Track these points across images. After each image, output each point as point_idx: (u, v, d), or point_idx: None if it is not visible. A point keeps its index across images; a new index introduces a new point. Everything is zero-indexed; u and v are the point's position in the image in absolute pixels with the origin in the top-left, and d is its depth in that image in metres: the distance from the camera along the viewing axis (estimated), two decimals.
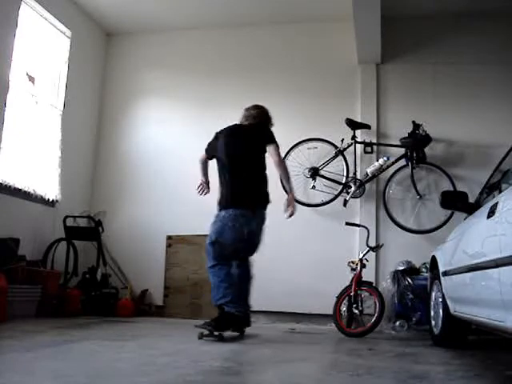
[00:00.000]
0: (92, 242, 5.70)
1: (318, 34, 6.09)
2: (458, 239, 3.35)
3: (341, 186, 5.43)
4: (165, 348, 3.18)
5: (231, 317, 3.74)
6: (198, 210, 5.80)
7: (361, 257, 4.75)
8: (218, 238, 3.87)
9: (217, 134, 4.14)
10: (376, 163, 5.40)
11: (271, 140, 4.00)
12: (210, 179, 4.27)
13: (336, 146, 5.51)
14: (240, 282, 3.92)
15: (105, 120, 6.56)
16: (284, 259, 5.58)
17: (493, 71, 5.59)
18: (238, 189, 3.91)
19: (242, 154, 4.00)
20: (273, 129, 4.18)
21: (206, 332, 3.60)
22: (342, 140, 5.51)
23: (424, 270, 4.88)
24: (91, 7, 6.12)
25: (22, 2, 5.15)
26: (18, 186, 5.06)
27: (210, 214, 5.76)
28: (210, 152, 4.13)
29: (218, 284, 3.82)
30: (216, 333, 3.60)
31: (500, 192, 2.87)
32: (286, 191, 4.18)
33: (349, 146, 5.49)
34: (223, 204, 3.94)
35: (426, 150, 5.32)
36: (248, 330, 4.05)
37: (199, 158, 4.24)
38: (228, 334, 3.75)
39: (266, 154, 4.07)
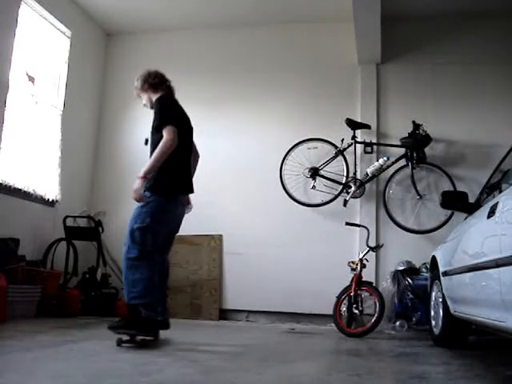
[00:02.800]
0: (92, 242, 5.69)
1: (318, 34, 6.09)
2: (458, 239, 3.35)
3: (341, 186, 5.43)
4: (165, 348, 3.18)
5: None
6: (197, 209, 5.81)
7: (361, 257, 4.75)
8: (154, 225, 3.33)
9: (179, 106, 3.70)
10: (376, 163, 5.40)
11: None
12: None
13: (336, 146, 5.51)
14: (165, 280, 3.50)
15: (105, 120, 6.56)
16: (284, 259, 5.58)
17: (493, 71, 5.58)
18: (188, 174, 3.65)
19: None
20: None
21: (125, 338, 3.18)
22: (342, 140, 5.51)
23: (424, 270, 4.88)
24: (91, 7, 6.12)
25: (22, 2, 5.15)
26: (18, 186, 5.06)
27: (210, 214, 5.81)
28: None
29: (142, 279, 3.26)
30: (138, 338, 3.20)
31: (500, 192, 2.87)
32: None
33: (349, 145, 5.49)
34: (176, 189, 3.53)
35: (426, 150, 5.32)
36: (247, 330, 4.05)
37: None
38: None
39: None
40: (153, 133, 3.48)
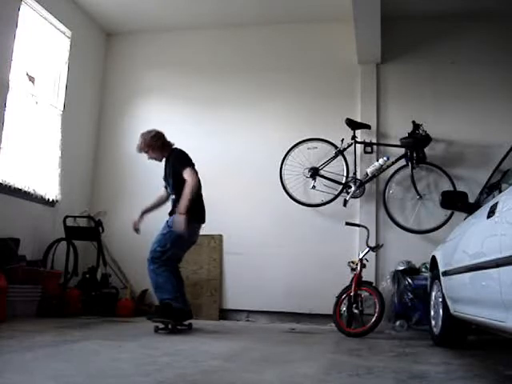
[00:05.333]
0: (92, 241, 5.69)
1: (318, 34, 6.10)
2: (458, 239, 3.35)
3: (341, 186, 5.43)
4: (165, 348, 3.18)
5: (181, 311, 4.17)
6: None
7: (361, 257, 4.74)
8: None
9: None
10: (376, 163, 5.40)
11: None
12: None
13: (336, 146, 5.51)
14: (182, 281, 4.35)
15: (105, 120, 6.56)
16: (284, 259, 5.59)
17: (492, 71, 5.58)
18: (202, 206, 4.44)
19: None
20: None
21: (161, 326, 4.05)
22: (342, 140, 5.51)
23: (424, 269, 4.88)
24: (91, 7, 6.12)
25: (22, 2, 5.15)
26: (18, 185, 5.06)
27: (210, 214, 5.80)
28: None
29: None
30: (170, 326, 4.06)
31: (500, 192, 2.87)
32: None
33: (349, 145, 5.49)
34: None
35: (426, 150, 5.32)
36: (248, 330, 4.04)
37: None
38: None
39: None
40: (171, 176, 4.32)
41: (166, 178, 4.47)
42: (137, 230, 4.51)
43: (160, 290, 4.14)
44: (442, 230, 4.99)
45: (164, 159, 4.46)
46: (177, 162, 4.32)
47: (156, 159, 4.49)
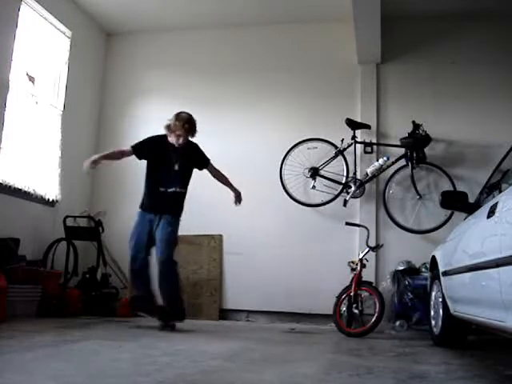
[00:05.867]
0: (92, 242, 5.69)
1: (318, 34, 6.10)
2: (457, 239, 3.35)
3: (341, 186, 5.43)
4: (165, 348, 3.18)
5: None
6: (198, 209, 5.82)
7: (361, 257, 4.75)
8: None
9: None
10: (376, 163, 5.40)
11: None
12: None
13: (336, 146, 5.51)
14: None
15: (105, 120, 6.56)
16: (284, 259, 5.58)
17: (492, 71, 5.58)
18: None
19: None
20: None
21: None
22: (342, 140, 5.51)
23: (424, 269, 4.88)
24: (91, 7, 6.12)
25: (22, 2, 5.15)
26: (18, 185, 5.06)
27: (210, 214, 5.81)
28: None
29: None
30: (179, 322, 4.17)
31: (500, 192, 2.87)
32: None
33: (349, 145, 5.49)
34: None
35: (426, 150, 5.32)
36: (247, 330, 4.04)
37: None
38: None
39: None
40: (188, 167, 4.42)
41: (170, 163, 4.29)
42: (88, 170, 4.35)
43: (178, 290, 4.20)
44: (442, 230, 5.00)
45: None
46: (203, 157, 4.50)
47: (181, 145, 4.31)
